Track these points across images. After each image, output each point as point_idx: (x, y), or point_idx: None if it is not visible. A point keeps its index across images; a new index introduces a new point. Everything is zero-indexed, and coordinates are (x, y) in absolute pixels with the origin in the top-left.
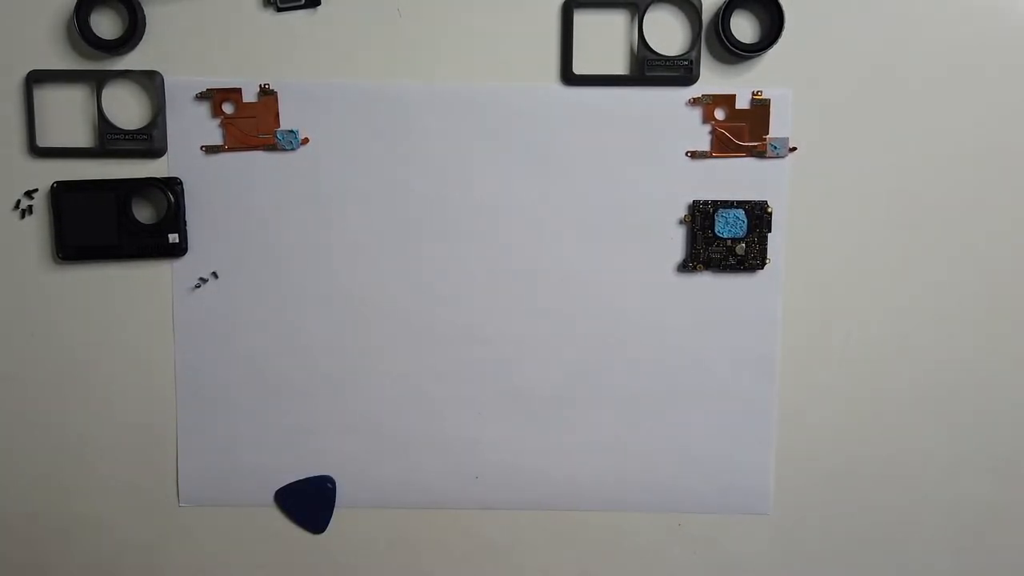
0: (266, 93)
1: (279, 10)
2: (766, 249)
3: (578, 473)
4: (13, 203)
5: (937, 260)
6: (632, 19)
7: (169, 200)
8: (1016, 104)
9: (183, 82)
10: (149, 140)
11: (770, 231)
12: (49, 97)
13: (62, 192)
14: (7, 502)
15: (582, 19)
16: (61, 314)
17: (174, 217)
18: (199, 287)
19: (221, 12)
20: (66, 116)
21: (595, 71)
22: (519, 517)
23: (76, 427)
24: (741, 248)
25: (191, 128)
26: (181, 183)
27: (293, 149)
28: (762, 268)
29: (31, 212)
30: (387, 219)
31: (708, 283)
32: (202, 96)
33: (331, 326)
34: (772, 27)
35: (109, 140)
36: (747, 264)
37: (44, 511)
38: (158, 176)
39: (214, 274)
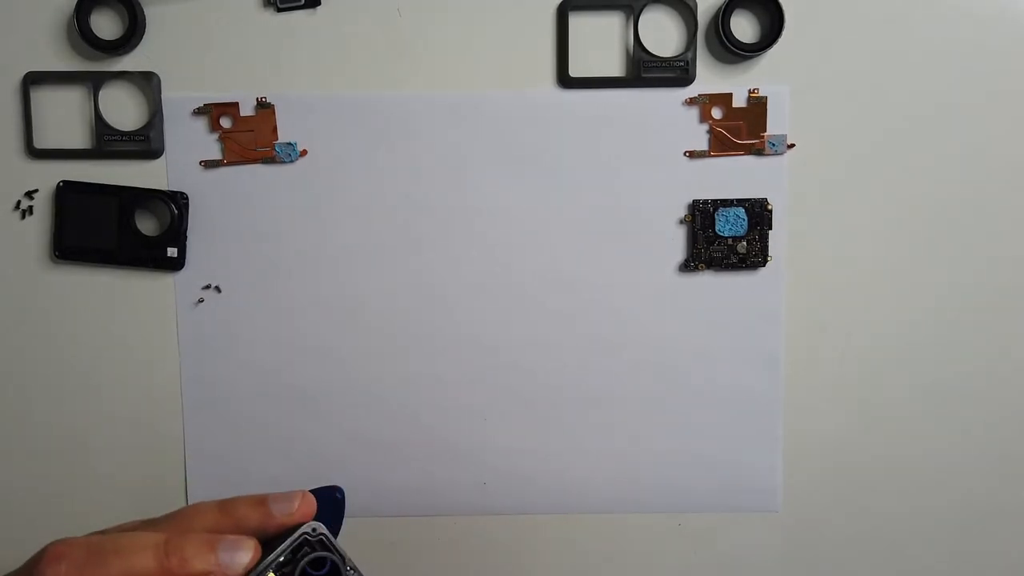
0: (263, 106)
1: (279, 10)
2: (767, 246)
3: (586, 476)
4: (12, 204)
5: (939, 253)
6: (627, 21)
7: (173, 214)
8: (1017, 102)
9: (180, 98)
10: (146, 141)
11: (771, 228)
12: (46, 98)
13: (67, 192)
14: (12, 519)
15: (577, 21)
16: (59, 317)
17: (176, 231)
18: (202, 302)
19: (220, 14)
20: (63, 117)
21: (591, 73)
22: (527, 521)
23: (82, 438)
24: (742, 246)
25: (190, 143)
26: (188, 198)
27: (292, 161)
28: (764, 265)
29: (31, 213)
30: (387, 227)
31: (710, 282)
32: (199, 111)
33: (336, 335)
34: (772, 26)
35: (106, 141)
36: (749, 262)
37: (52, 530)
38: (161, 188)
39: (216, 288)
